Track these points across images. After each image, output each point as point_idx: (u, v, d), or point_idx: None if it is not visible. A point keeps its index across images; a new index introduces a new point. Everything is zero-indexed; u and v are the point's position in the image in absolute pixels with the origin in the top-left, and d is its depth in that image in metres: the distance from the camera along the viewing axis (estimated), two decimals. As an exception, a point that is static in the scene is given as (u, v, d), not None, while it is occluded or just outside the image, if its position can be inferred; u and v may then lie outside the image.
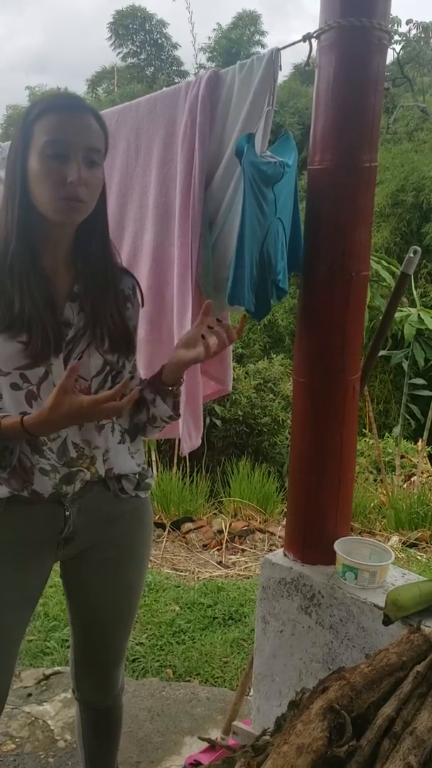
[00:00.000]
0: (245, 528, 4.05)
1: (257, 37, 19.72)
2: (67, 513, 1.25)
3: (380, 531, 4.13)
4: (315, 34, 1.44)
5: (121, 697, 1.53)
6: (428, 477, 4.92)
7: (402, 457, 5.15)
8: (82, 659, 1.47)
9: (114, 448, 1.29)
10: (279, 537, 3.92)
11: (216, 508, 4.42)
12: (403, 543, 3.89)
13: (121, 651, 1.47)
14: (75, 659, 1.47)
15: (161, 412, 1.33)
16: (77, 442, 1.24)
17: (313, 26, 1.45)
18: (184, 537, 3.99)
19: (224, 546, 3.85)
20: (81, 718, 1.55)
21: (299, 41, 1.47)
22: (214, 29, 19.06)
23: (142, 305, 1.36)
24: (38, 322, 1.15)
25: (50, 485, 1.21)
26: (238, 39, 18.66)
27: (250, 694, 1.86)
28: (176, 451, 4.59)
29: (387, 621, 1.35)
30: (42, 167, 1.11)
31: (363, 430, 5.58)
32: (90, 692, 1.50)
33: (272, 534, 4.02)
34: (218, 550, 3.83)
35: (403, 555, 3.69)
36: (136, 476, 1.35)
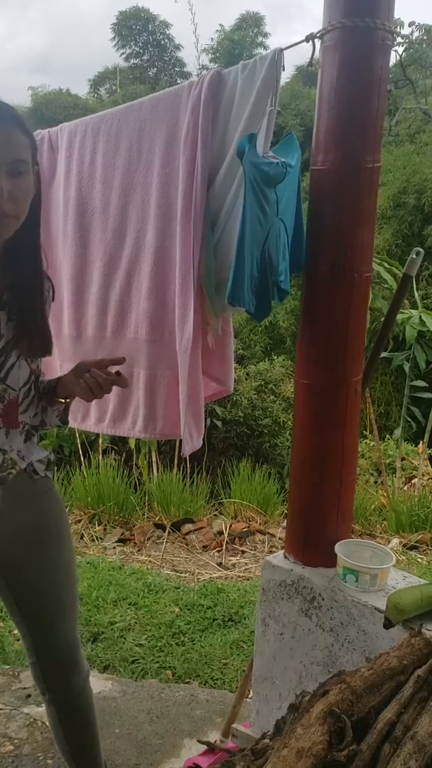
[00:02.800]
0: (245, 529, 4.05)
1: (260, 39, 19.78)
2: None
3: (381, 533, 4.12)
4: (318, 35, 1.43)
5: (88, 683, 1.55)
6: (429, 479, 4.91)
7: (403, 459, 5.14)
8: (38, 654, 1.48)
9: (24, 447, 1.36)
10: (279, 539, 3.92)
11: (216, 510, 4.42)
12: (404, 545, 3.88)
13: (73, 631, 1.49)
14: (35, 659, 1.49)
15: (51, 420, 1.41)
16: (3, 448, 1.30)
17: (316, 28, 1.45)
18: (184, 538, 3.98)
19: (224, 547, 3.84)
20: (58, 718, 1.55)
21: (302, 41, 1.46)
22: (217, 30, 19.11)
23: (53, 300, 1.41)
24: None
25: None
26: (240, 40, 18.70)
27: (250, 696, 1.85)
28: (177, 452, 4.59)
29: (388, 624, 1.34)
30: None
31: (364, 431, 5.57)
32: (57, 684, 1.51)
33: (272, 535, 4.01)
34: (218, 551, 3.82)
35: (403, 557, 3.68)
36: (45, 459, 1.41)
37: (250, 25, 19.75)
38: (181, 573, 3.50)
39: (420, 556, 3.77)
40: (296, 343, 1.63)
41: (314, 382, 1.56)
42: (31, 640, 1.47)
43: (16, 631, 2.67)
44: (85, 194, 1.88)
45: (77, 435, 4.64)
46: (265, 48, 18.79)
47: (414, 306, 4.97)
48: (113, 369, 1.30)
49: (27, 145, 1.16)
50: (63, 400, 1.39)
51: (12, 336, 1.24)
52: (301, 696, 1.10)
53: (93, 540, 3.91)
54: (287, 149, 1.50)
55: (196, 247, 1.59)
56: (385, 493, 4.50)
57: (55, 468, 1.46)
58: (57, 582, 1.44)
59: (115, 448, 4.90)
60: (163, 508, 4.21)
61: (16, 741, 2.01)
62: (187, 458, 4.57)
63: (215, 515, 4.31)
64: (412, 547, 3.87)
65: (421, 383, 4.91)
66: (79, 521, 4.07)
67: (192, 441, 1.71)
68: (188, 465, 4.63)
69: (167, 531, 4.01)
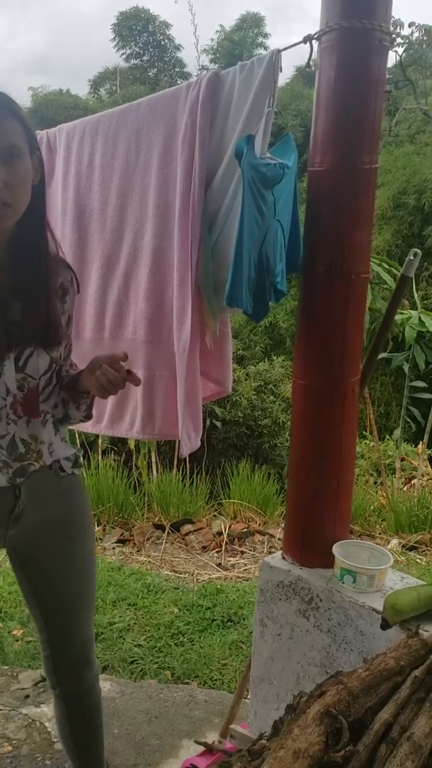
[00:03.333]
0: (245, 530, 4.04)
1: (260, 39, 19.78)
2: (17, 492, 1.30)
3: (380, 534, 4.12)
4: (316, 36, 1.44)
5: (98, 681, 1.57)
6: (429, 480, 4.91)
7: (402, 459, 5.14)
8: (55, 648, 1.49)
9: (55, 440, 1.37)
10: (278, 539, 3.92)
11: (216, 510, 4.41)
12: (403, 546, 3.88)
13: (88, 627, 1.51)
14: (48, 653, 1.50)
15: (75, 415, 1.41)
16: (24, 438, 1.29)
17: (316, 29, 1.45)
18: (183, 539, 3.98)
19: (224, 548, 3.84)
20: (66, 714, 1.57)
21: (300, 43, 1.47)
22: (217, 31, 19.12)
23: (78, 291, 1.41)
24: None
25: (5, 480, 1.27)
26: (240, 41, 18.70)
27: (248, 697, 1.85)
28: (176, 453, 4.58)
29: (385, 625, 1.34)
30: None
31: (363, 432, 5.57)
32: (67, 679, 1.52)
33: (272, 536, 4.01)
34: (217, 552, 3.82)
35: (402, 558, 3.68)
36: (73, 456, 1.42)
37: (251, 25, 19.76)
38: (181, 573, 3.50)
39: (419, 556, 3.77)
40: (294, 343, 1.63)
41: (312, 383, 1.56)
42: (47, 633, 1.48)
43: (15, 632, 2.68)
44: (83, 195, 1.88)
45: (77, 435, 4.64)
46: (266, 48, 18.79)
47: (414, 307, 4.97)
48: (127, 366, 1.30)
49: (20, 131, 1.15)
50: (85, 394, 1.38)
51: (27, 325, 1.24)
52: (299, 697, 1.10)
53: (92, 540, 3.90)
54: (284, 150, 1.50)
55: (194, 248, 1.60)
56: (384, 494, 4.50)
57: (81, 464, 1.46)
58: (75, 576, 1.44)
59: (115, 448, 4.90)
60: (163, 508, 4.21)
61: (14, 742, 2.01)
62: (187, 459, 4.57)
63: (215, 516, 4.31)
64: (412, 548, 3.87)
65: (420, 384, 4.91)
66: (79, 522, 4.06)
67: (190, 442, 1.72)
68: (188, 465, 4.63)
69: (166, 531, 4.01)
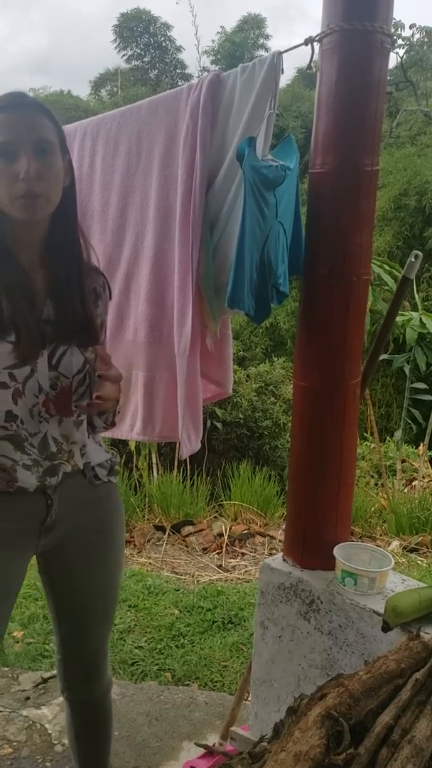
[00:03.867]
0: (245, 531, 4.04)
1: (261, 41, 19.77)
2: (49, 502, 1.28)
3: (381, 535, 4.11)
4: (317, 38, 1.44)
5: (109, 691, 1.55)
6: (429, 481, 4.90)
7: (403, 461, 5.14)
8: (68, 653, 1.48)
9: (88, 442, 1.35)
10: (279, 541, 3.91)
11: (216, 512, 4.41)
12: (404, 548, 3.87)
13: (104, 638, 1.50)
14: (61, 656, 1.49)
15: (97, 422, 1.39)
16: (56, 437, 1.27)
17: (316, 31, 1.45)
18: (184, 540, 3.98)
19: (224, 549, 3.84)
20: (72, 718, 1.56)
21: (301, 44, 1.47)
22: (218, 32, 19.11)
23: (110, 298, 1.41)
24: (24, 321, 1.18)
25: (35, 479, 1.24)
26: (242, 42, 18.70)
27: (249, 699, 1.85)
28: (177, 454, 4.58)
29: (386, 627, 1.34)
30: None
31: (364, 433, 5.57)
32: (78, 687, 1.52)
33: (272, 538, 4.00)
34: (218, 553, 3.82)
35: (403, 560, 3.68)
36: (108, 462, 1.40)
37: (252, 26, 19.76)
38: (181, 575, 3.50)
39: (420, 558, 3.77)
40: (295, 345, 1.63)
41: (312, 385, 1.56)
42: (61, 638, 1.47)
43: (15, 634, 2.67)
44: (84, 197, 1.88)
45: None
46: (267, 50, 18.76)
47: (414, 308, 4.97)
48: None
49: (52, 128, 1.17)
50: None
51: (61, 324, 1.24)
52: (299, 699, 1.10)
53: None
54: (286, 152, 1.50)
55: (195, 249, 1.60)
56: (385, 496, 4.50)
57: (118, 471, 1.44)
58: (98, 590, 1.42)
59: (115, 449, 4.90)
60: (163, 510, 4.21)
61: (14, 743, 2.01)
62: (187, 460, 4.57)
63: (215, 517, 4.31)
64: (412, 550, 3.86)
65: (421, 385, 4.91)
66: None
67: (190, 443, 1.72)
68: (188, 467, 4.63)
69: (167, 533, 4.00)
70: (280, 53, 1.47)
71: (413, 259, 1.62)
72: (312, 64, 1.48)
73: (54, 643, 1.51)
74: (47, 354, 1.22)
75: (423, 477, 4.84)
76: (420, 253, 1.64)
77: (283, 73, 1.46)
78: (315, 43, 1.45)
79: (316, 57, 1.46)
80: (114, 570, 1.44)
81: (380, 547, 1.77)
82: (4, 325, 1.17)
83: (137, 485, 4.46)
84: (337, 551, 1.54)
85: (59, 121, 1.21)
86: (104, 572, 1.42)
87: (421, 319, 4.57)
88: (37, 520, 1.28)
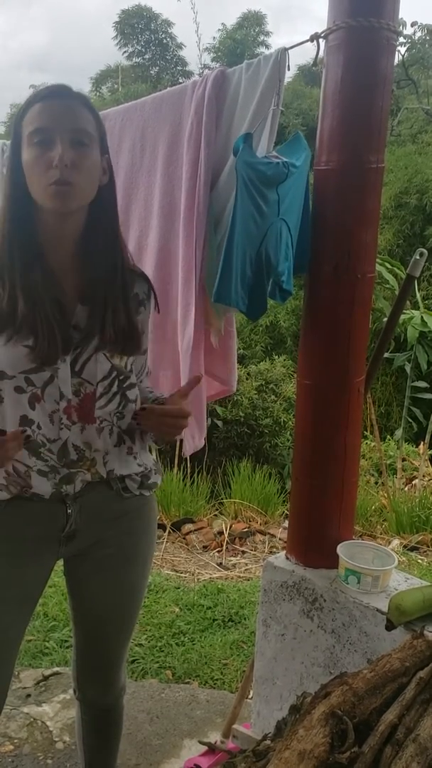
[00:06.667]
0: (246, 529, 4.04)
1: (262, 38, 19.72)
2: (69, 511, 1.24)
3: (381, 534, 4.11)
4: (323, 34, 1.43)
5: (122, 697, 1.53)
6: (430, 480, 4.90)
7: (403, 459, 5.14)
8: (83, 659, 1.46)
9: (112, 451, 1.27)
10: (279, 539, 3.91)
11: (217, 510, 4.41)
12: (404, 546, 3.87)
13: (122, 652, 1.46)
14: (76, 659, 1.47)
15: (145, 437, 1.34)
16: (78, 444, 1.22)
17: (318, 28, 1.44)
18: (184, 538, 3.98)
19: (224, 547, 3.84)
20: (81, 719, 1.54)
21: (307, 41, 1.46)
22: (219, 29, 19.06)
23: (158, 311, 1.35)
24: (44, 324, 1.13)
25: (50, 485, 1.21)
26: (242, 39, 18.65)
27: (251, 697, 1.85)
28: (177, 452, 4.58)
29: (390, 626, 1.34)
30: (30, 156, 1.11)
31: (365, 432, 5.56)
32: (91, 692, 1.49)
33: (273, 536, 4.00)
34: (218, 551, 3.82)
35: (404, 558, 3.68)
36: (139, 476, 1.33)
37: (252, 24, 19.70)
38: (181, 573, 3.49)
39: (420, 557, 3.77)
40: (299, 343, 1.63)
41: (316, 383, 1.55)
42: (76, 644, 1.45)
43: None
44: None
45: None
46: (267, 47, 18.72)
47: (416, 306, 4.97)
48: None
49: (92, 122, 1.14)
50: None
51: (90, 330, 1.18)
52: (303, 697, 1.10)
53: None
54: (294, 149, 1.49)
55: (199, 246, 1.59)
56: (385, 494, 4.50)
57: (156, 484, 1.39)
58: (119, 605, 1.38)
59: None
60: (164, 507, 4.21)
61: (16, 741, 2.01)
62: (188, 458, 4.56)
63: (215, 515, 4.31)
64: (413, 548, 3.86)
65: (422, 384, 4.91)
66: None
67: (194, 441, 1.71)
68: (189, 465, 4.62)
69: (167, 531, 4.00)
70: (286, 50, 1.46)
71: (418, 257, 1.62)
72: (317, 61, 1.47)
73: (71, 643, 1.50)
74: (70, 360, 1.17)
75: (423, 476, 4.84)
76: (425, 251, 1.63)
77: (289, 69, 1.45)
78: (321, 40, 1.44)
79: (321, 54, 1.46)
80: (133, 589, 1.39)
81: (381, 545, 1.77)
82: (21, 328, 1.13)
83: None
84: (341, 549, 1.54)
85: (101, 119, 1.17)
86: (122, 590, 1.37)
87: (422, 317, 4.57)
88: (56, 527, 1.25)
